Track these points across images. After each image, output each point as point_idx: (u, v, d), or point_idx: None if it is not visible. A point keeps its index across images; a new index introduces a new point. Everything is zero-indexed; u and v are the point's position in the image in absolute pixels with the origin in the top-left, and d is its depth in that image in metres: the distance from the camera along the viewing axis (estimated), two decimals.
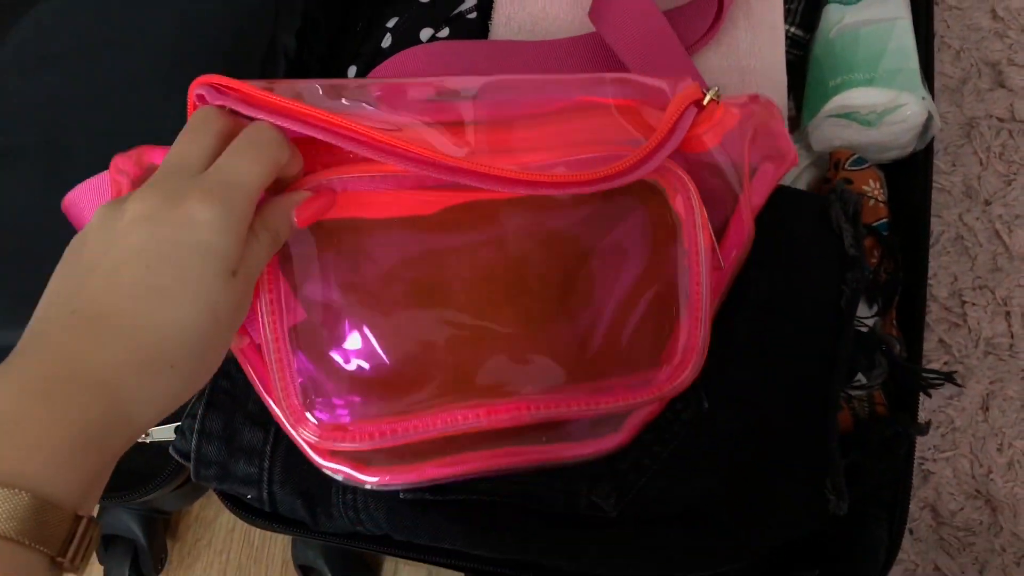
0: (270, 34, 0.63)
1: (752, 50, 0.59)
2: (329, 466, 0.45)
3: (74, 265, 0.37)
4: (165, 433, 0.56)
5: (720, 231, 0.47)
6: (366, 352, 0.43)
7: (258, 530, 0.72)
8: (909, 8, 0.60)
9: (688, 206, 0.45)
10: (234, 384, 0.52)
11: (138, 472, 0.61)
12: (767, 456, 0.50)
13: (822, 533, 0.51)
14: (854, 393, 0.54)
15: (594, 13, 0.57)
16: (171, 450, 0.53)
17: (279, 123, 0.39)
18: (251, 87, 0.40)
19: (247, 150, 0.38)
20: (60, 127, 0.62)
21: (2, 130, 0.61)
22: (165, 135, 0.62)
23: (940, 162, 0.73)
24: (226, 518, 0.72)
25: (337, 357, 0.43)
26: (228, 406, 0.52)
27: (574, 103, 0.46)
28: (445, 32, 0.62)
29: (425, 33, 0.61)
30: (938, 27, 0.76)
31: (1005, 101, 0.74)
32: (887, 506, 0.53)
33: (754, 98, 0.48)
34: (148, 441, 0.57)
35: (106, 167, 0.61)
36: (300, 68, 0.63)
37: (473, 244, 0.44)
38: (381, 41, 0.61)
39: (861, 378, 0.53)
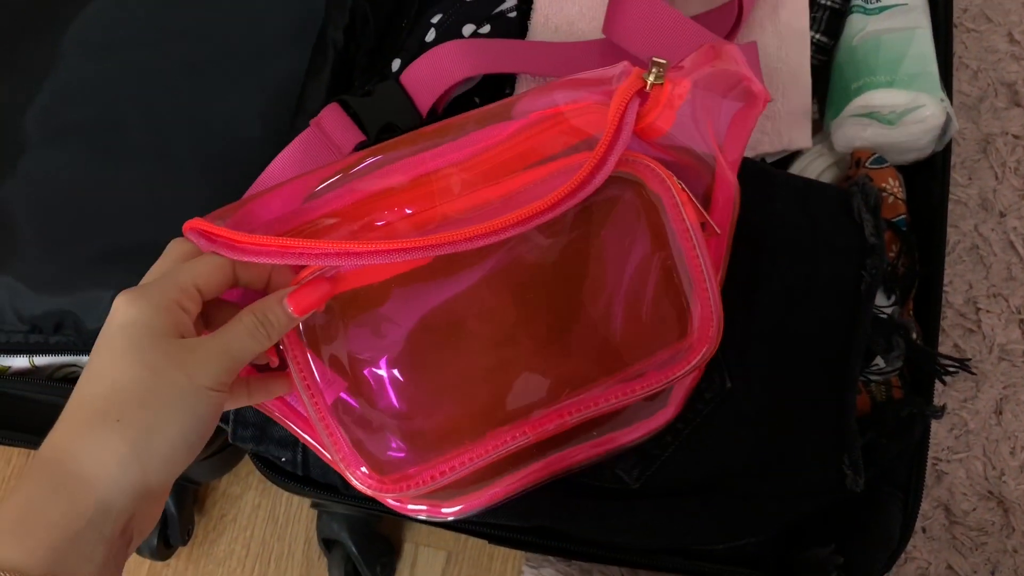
0: (321, 28, 0.67)
1: (779, 54, 0.62)
2: (409, 508, 0.47)
3: None
4: None
5: (707, 196, 0.48)
6: (407, 404, 0.46)
7: (282, 508, 0.73)
8: (929, 20, 0.62)
9: (664, 189, 0.45)
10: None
11: None
12: (786, 433, 0.51)
13: (838, 510, 0.53)
14: (873, 378, 0.56)
15: (607, 25, 0.59)
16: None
17: (263, 261, 0.41)
18: (232, 233, 0.41)
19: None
20: (118, 106, 0.65)
21: (64, 106, 0.64)
22: (219, 124, 0.66)
23: (957, 175, 0.76)
24: (252, 495, 0.74)
25: (383, 416, 0.46)
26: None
27: (529, 121, 0.46)
28: (487, 29, 0.65)
29: (467, 29, 0.64)
30: (957, 48, 0.79)
31: (1020, 119, 0.77)
32: (902, 486, 0.54)
33: (706, 52, 0.47)
34: None
35: (159, 144, 0.64)
36: (347, 60, 0.66)
37: (475, 279, 0.46)
38: (425, 36, 0.65)
39: (880, 363, 0.55)
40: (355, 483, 0.45)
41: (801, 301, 0.52)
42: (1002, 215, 0.74)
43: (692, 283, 0.46)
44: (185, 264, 0.41)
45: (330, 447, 0.44)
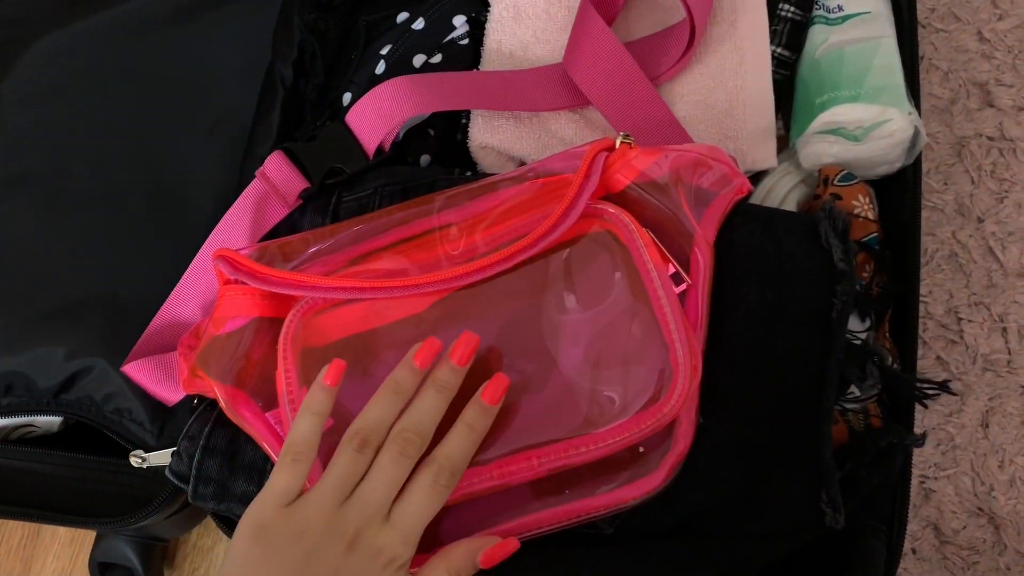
0: (269, 65, 0.65)
1: (739, 70, 0.60)
2: None
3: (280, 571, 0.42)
4: (162, 458, 0.57)
5: (685, 259, 0.50)
6: None
7: None
8: (894, 27, 0.61)
9: (627, 233, 0.49)
10: None
11: (134, 497, 0.61)
12: (760, 469, 0.50)
13: (820, 547, 0.51)
14: (849, 406, 0.54)
15: (567, 60, 0.60)
16: (167, 472, 0.54)
17: (278, 291, 0.49)
18: (257, 265, 0.50)
19: (434, 483, 0.44)
20: (64, 155, 0.64)
21: (6, 158, 0.63)
22: (165, 165, 0.64)
23: (932, 181, 0.74)
24: (223, 547, 0.72)
25: None
26: (234, 426, 0.52)
27: (512, 192, 0.52)
28: (438, 58, 0.63)
29: (418, 60, 0.63)
30: (926, 49, 0.77)
31: (994, 120, 0.75)
32: (885, 519, 0.53)
33: (686, 149, 0.52)
34: (145, 467, 0.57)
35: (109, 193, 0.63)
36: (297, 95, 0.64)
37: (462, 327, 0.48)
38: (375, 68, 0.63)
39: (855, 391, 0.54)
40: None
41: (770, 329, 0.51)
42: (980, 220, 0.73)
43: (659, 326, 0.46)
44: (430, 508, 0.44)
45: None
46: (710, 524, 0.50)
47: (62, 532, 0.73)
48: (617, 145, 0.52)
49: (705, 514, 0.50)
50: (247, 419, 0.50)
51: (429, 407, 0.45)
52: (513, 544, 0.45)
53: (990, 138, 0.75)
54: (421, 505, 0.43)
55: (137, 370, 0.55)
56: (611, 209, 0.50)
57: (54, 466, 0.62)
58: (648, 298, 0.48)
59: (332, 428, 0.46)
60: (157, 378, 0.55)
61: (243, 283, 0.51)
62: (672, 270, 0.49)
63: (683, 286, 0.49)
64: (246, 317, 0.51)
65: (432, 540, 0.46)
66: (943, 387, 0.53)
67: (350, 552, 0.41)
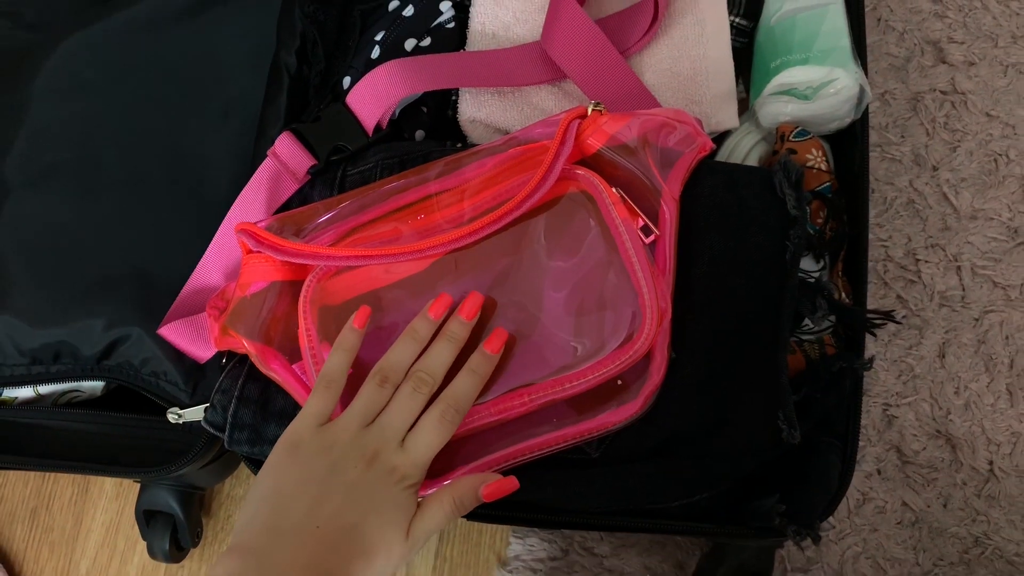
0: (274, 53, 0.71)
1: (700, 40, 0.66)
2: None
3: (306, 481, 0.48)
4: (195, 414, 0.63)
5: (654, 213, 0.56)
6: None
7: None
8: None
9: (597, 193, 0.55)
10: None
11: (172, 450, 0.67)
12: (727, 396, 0.56)
13: (781, 462, 0.57)
14: (804, 338, 0.60)
15: (544, 39, 0.65)
16: (203, 422, 0.60)
17: (298, 261, 0.56)
18: (278, 239, 0.56)
19: (443, 417, 0.51)
20: (93, 145, 0.69)
21: (42, 150, 0.68)
22: (183, 149, 0.70)
23: (890, 135, 0.80)
24: None
25: None
26: (264, 378, 0.58)
27: (499, 159, 0.58)
28: (427, 42, 0.69)
29: (409, 44, 0.68)
30: (882, 12, 0.83)
31: (947, 75, 0.80)
32: (840, 436, 0.59)
33: (653, 114, 0.58)
34: (181, 422, 0.64)
35: (134, 177, 0.69)
36: (302, 81, 0.70)
37: (459, 283, 0.55)
38: (371, 53, 0.69)
39: (809, 324, 0.60)
40: None
41: (732, 273, 0.56)
42: (935, 169, 0.78)
43: (628, 274, 0.52)
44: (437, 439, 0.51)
45: None
46: (684, 447, 0.56)
47: (108, 488, 0.80)
48: (589, 113, 0.57)
49: (679, 439, 0.55)
50: (276, 370, 0.56)
51: (440, 353, 0.52)
52: (513, 483, 0.51)
53: (943, 92, 0.80)
54: (430, 435, 0.50)
55: (172, 332, 0.62)
56: (581, 171, 0.55)
57: (100, 425, 0.68)
58: (618, 249, 0.54)
59: (351, 374, 0.53)
60: (190, 338, 0.61)
61: (264, 253, 0.57)
62: (641, 223, 0.55)
63: (652, 237, 0.55)
64: (268, 280, 0.57)
65: (441, 467, 0.53)
66: (888, 316, 0.59)
67: (368, 468, 0.48)
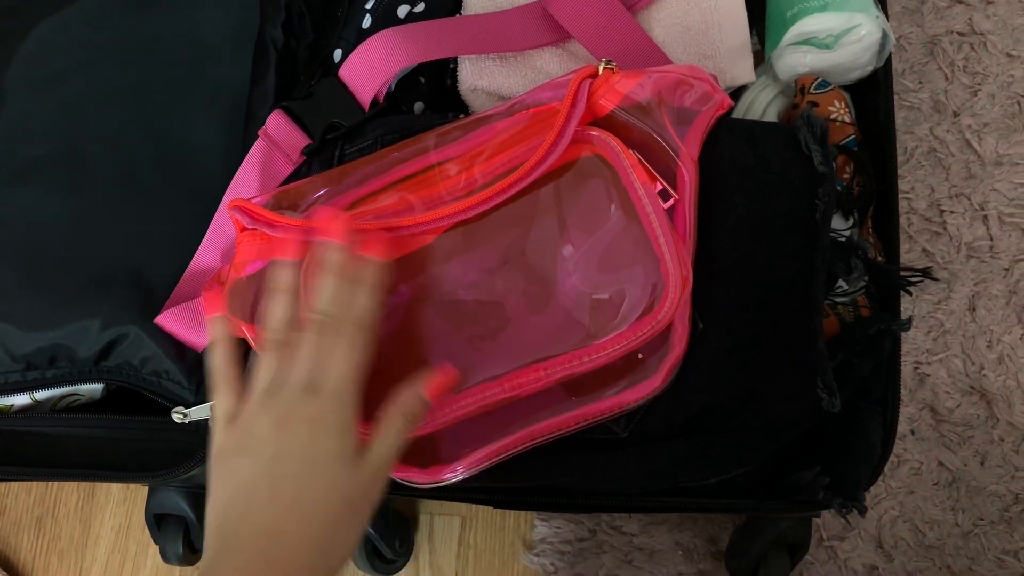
0: (259, 28, 0.67)
1: None
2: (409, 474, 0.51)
3: (237, 485, 0.44)
4: (202, 412, 0.61)
5: (672, 176, 0.52)
6: (399, 364, 0.51)
7: None
8: None
9: (615, 156, 0.51)
10: None
11: (179, 451, 0.65)
12: (759, 366, 0.53)
13: (821, 432, 0.55)
14: (838, 300, 0.58)
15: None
16: (210, 421, 0.58)
17: (292, 237, 0.51)
18: (273, 215, 0.53)
19: (337, 344, 0.46)
20: (75, 136, 0.65)
21: (20, 144, 0.65)
22: (171, 136, 0.67)
23: (907, 81, 0.77)
24: None
25: (383, 374, 0.50)
26: None
27: (505, 124, 0.55)
28: (421, 7, 0.65)
29: (402, 10, 0.65)
30: None
31: (964, 16, 0.77)
32: (879, 401, 0.57)
33: (669, 67, 0.55)
34: (187, 421, 0.61)
35: (121, 168, 0.65)
36: (289, 56, 0.66)
37: (467, 256, 0.52)
38: (361, 22, 0.65)
39: (843, 285, 0.57)
40: None
41: (758, 237, 0.54)
42: (955, 115, 0.75)
43: (649, 240, 0.49)
44: (350, 364, 0.46)
45: None
46: (716, 422, 0.53)
47: (115, 492, 0.78)
48: (600, 72, 0.54)
49: (710, 413, 0.53)
50: None
51: (324, 288, 0.47)
52: (451, 371, 0.49)
53: (961, 34, 0.77)
54: (338, 361, 0.45)
55: (168, 320, 0.59)
56: (596, 133, 0.52)
57: (104, 429, 0.66)
58: (638, 216, 0.51)
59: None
60: (188, 324, 0.58)
61: (259, 230, 0.54)
62: (659, 187, 0.52)
63: (671, 201, 0.52)
64: (264, 260, 0.54)
65: (452, 450, 0.50)
66: (925, 273, 0.57)
67: (280, 431, 0.43)
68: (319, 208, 0.50)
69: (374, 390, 0.49)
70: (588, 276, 0.51)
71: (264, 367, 0.46)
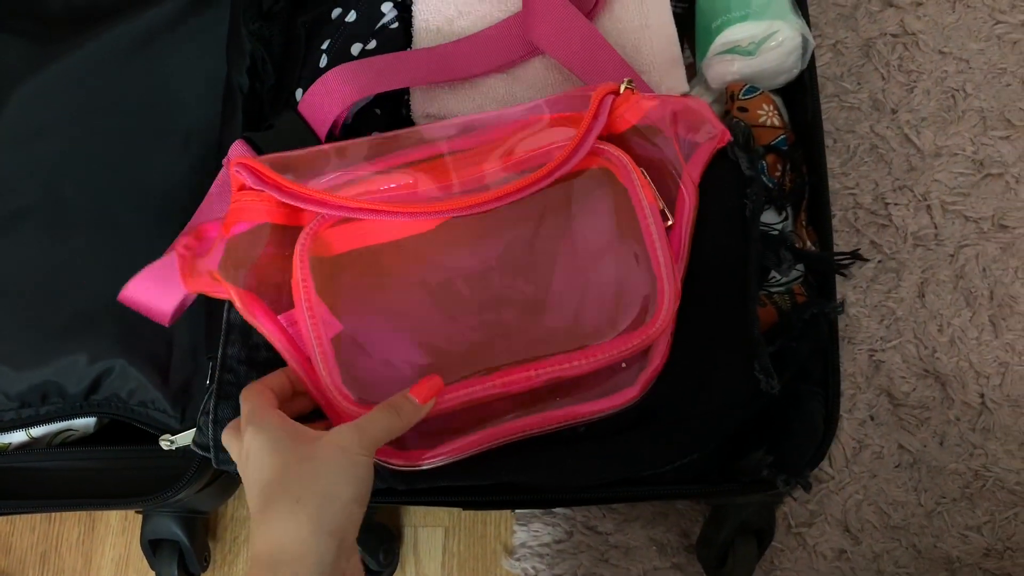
0: (226, 75, 0.71)
1: (642, 10, 0.67)
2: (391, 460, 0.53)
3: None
4: (187, 438, 0.64)
5: (672, 200, 0.55)
6: (393, 351, 0.53)
7: None
8: None
9: (625, 173, 0.54)
10: (238, 376, 0.59)
11: (166, 476, 0.67)
12: (705, 357, 0.56)
13: (765, 416, 0.58)
14: (774, 290, 0.61)
15: (526, 24, 0.65)
16: (192, 444, 0.60)
17: (302, 206, 0.53)
18: (283, 179, 0.53)
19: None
20: (57, 186, 0.69)
21: (6, 196, 0.69)
22: (154, 184, 0.70)
23: (847, 83, 0.80)
24: None
25: (371, 358, 0.53)
26: (236, 395, 0.58)
27: (521, 124, 0.57)
28: (373, 44, 0.69)
29: (355, 48, 0.69)
30: None
31: (896, 18, 0.81)
32: (820, 383, 0.59)
33: (677, 97, 0.58)
34: (174, 448, 0.64)
35: (101, 212, 0.69)
36: (256, 98, 0.71)
37: (467, 248, 0.54)
38: (319, 62, 0.69)
39: (777, 276, 0.60)
40: (343, 406, 0.51)
41: (700, 238, 0.57)
42: (894, 111, 0.79)
43: (649, 257, 0.53)
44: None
45: (323, 373, 0.51)
46: (667, 411, 0.56)
47: (114, 524, 0.81)
48: (622, 90, 0.57)
49: (662, 403, 0.56)
50: (261, 320, 0.53)
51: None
52: (436, 379, 0.50)
53: (894, 35, 0.80)
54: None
55: (133, 290, 0.58)
56: (612, 150, 0.55)
57: (97, 460, 0.69)
58: (640, 233, 0.53)
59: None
60: (153, 290, 0.59)
61: (258, 190, 0.54)
62: (660, 207, 0.55)
63: (669, 222, 0.55)
64: (254, 222, 0.54)
65: (433, 434, 0.52)
66: (854, 255, 0.60)
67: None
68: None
69: (357, 366, 0.51)
70: (585, 283, 0.54)
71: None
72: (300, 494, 0.43)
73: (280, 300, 0.54)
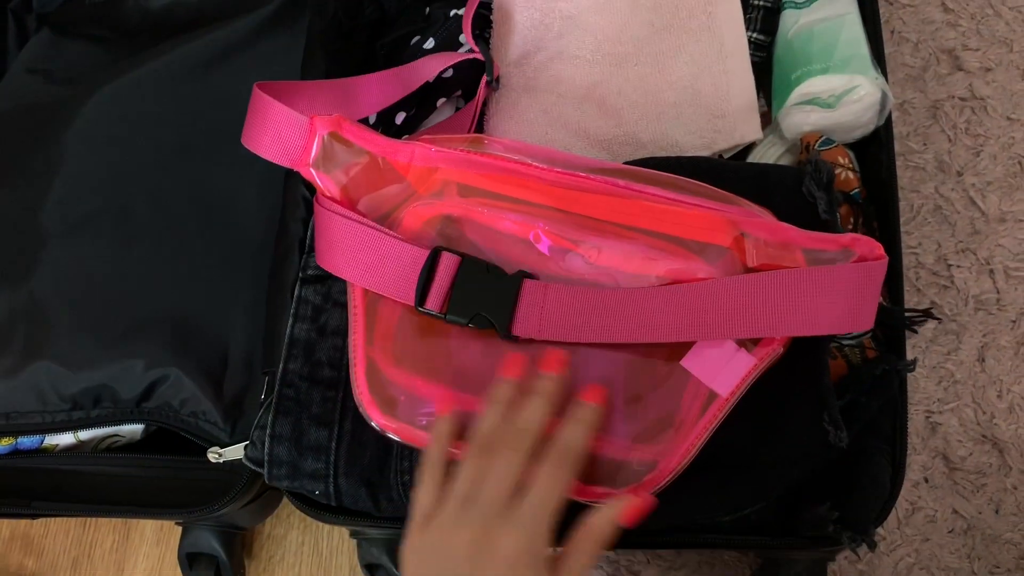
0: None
1: (720, 56, 0.67)
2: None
3: None
4: (236, 453, 0.63)
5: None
6: None
7: (325, 543, 0.78)
8: (856, 4, 0.67)
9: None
10: (298, 392, 0.59)
11: (212, 490, 0.67)
12: (772, 403, 0.55)
13: (831, 470, 0.57)
14: (845, 343, 0.60)
15: None
16: (244, 459, 0.60)
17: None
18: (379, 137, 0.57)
19: (553, 472, 0.47)
20: (125, 194, 0.70)
21: (76, 201, 0.70)
22: (213, 194, 0.71)
23: (912, 143, 0.80)
24: (295, 534, 0.78)
25: None
26: (295, 411, 0.58)
27: (678, 198, 0.54)
28: (449, 73, 0.70)
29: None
30: (895, 24, 0.84)
31: (964, 82, 0.81)
32: (888, 439, 0.58)
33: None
34: (222, 461, 0.64)
35: (167, 223, 0.69)
36: None
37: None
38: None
39: None
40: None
41: None
42: (959, 174, 0.79)
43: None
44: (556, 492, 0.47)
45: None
46: (730, 458, 0.55)
47: (149, 534, 0.80)
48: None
49: (728, 449, 0.55)
50: (334, 213, 0.56)
51: (535, 409, 0.49)
52: (649, 499, 0.49)
53: (962, 99, 0.81)
54: (544, 489, 0.45)
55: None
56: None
57: (141, 468, 0.68)
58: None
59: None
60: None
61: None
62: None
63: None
64: (430, 164, 0.56)
65: None
66: (927, 314, 0.59)
67: (476, 562, 0.44)
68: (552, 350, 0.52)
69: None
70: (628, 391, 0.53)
71: (464, 475, 0.47)
72: None
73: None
